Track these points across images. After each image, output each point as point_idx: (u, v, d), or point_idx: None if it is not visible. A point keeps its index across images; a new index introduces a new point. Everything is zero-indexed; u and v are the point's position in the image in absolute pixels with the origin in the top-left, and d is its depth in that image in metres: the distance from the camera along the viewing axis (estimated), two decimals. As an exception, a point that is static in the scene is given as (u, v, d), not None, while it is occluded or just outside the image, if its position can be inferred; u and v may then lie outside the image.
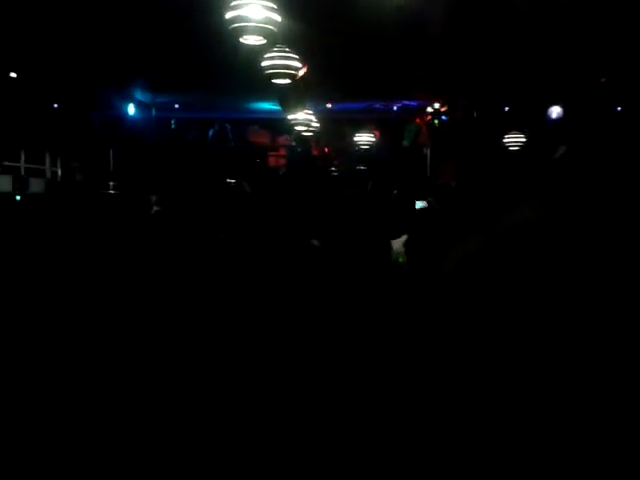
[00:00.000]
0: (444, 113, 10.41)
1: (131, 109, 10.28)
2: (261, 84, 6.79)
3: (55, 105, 9.71)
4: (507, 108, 10.60)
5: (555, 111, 10.05)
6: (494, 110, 10.44)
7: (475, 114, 10.35)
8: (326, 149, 12.64)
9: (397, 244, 3.74)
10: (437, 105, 10.34)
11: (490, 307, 1.00)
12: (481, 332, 0.98)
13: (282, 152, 13.05)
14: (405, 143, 11.40)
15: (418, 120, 11.19)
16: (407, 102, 11.02)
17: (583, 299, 0.90)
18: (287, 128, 10.36)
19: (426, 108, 10.83)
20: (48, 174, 10.43)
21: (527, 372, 0.96)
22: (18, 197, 9.17)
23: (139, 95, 10.21)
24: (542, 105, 10.10)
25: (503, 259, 0.99)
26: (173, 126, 11.54)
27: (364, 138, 11.23)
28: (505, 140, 9.89)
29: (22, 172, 9.77)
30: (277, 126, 11.91)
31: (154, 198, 7.03)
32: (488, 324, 0.99)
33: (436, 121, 10.65)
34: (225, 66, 7.40)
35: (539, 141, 9.96)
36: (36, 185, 9.79)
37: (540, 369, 0.96)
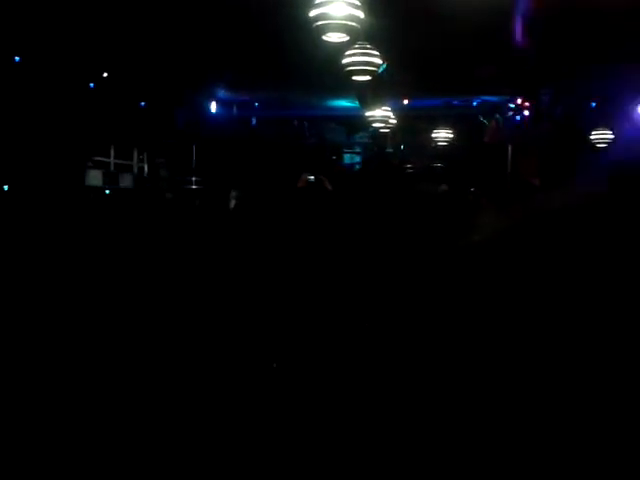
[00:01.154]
0: (527, 108, 10.08)
1: (213, 107, 10.57)
2: (339, 81, 6.82)
3: (142, 103, 10.13)
4: (594, 103, 10.14)
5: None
6: (580, 105, 10.02)
7: (560, 109, 9.96)
8: (401, 146, 12.53)
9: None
10: (519, 100, 10.02)
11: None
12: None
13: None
14: (486, 139, 11.13)
15: (498, 115, 10.89)
16: (486, 97, 10.75)
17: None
18: (364, 125, 10.36)
19: (507, 104, 10.52)
20: (135, 169, 10.92)
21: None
22: (107, 191, 9.67)
23: (221, 94, 10.48)
24: (630, 100, 9.61)
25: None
26: (254, 123, 11.78)
27: (442, 135, 11.05)
28: (592, 136, 9.48)
29: (112, 167, 10.28)
30: (353, 123, 11.93)
31: (234, 193, 7.22)
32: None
33: (518, 117, 10.32)
34: (304, 64, 7.47)
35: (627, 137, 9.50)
36: (124, 180, 10.28)
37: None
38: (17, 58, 7.55)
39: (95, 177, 9.46)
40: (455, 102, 10.94)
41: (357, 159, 13.40)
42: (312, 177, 6.04)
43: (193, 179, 10.12)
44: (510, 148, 10.68)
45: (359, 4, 4.70)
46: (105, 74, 8.78)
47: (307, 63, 7.27)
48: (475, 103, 10.93)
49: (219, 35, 7.36)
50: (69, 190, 7.94)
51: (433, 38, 7.06)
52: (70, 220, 6.50)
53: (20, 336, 3.70)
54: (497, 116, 11.01)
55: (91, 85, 8.96)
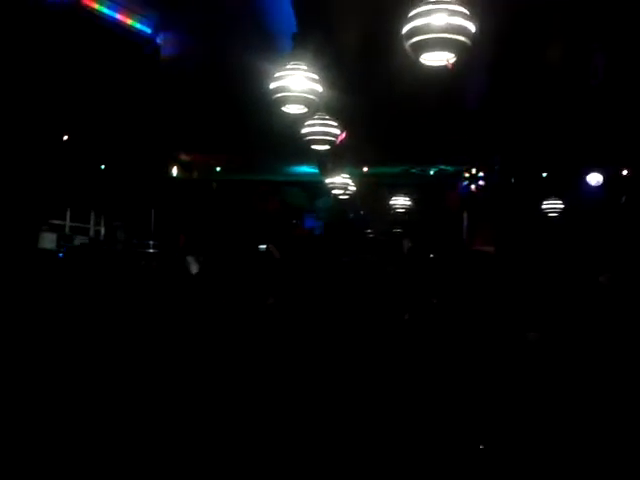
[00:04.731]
0: (481, 178, 10.42)
1: (174, 171, 10.58)
2: (300, 148, 6.95)
3: (102, 166, 10.07)
4: (545, 174, 10.55)
5: (594, 177, 9.96)
6: (531, 175, 10.41)
7: (512, 179, 10.32)
8: (362, 212, 12.71)
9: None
10: (474, 170, 10.37)
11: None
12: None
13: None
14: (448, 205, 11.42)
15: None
16: (443, 167, 11.09)
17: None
18: (325, 190, 10.51)
19: (462, 173, 10.86)
20: (92, 232, 10.72)
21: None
22: (61, 254, 9.41)
23: (181, 158, 10.53)
24: (580, 171, 10.03)
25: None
26: (214, 187, 11.80)
27: (400, 201, 11.29)
28: (544, 206, 9.80)
29: (67, 230, 10.06)
30: (315, 188, 12.08)
31: (190, 258, 7.11)
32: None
33: (473, 186, 10.65)
34: (265, 132, 7.60)
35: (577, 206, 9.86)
36: (80, 243, 10.05)
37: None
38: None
39: (49, 240, 9.23)
40: (413, 170, 11.26)
41: (318, 223, 13.50)
42: (264, 246, 6.06)
43: (151, 243, 9.97)
44: (466, 216, 10.95)
45: (317, 78, 4.86)
46: (65, 137, 8.74)
47: (268, 130, 7.40)
48: (432, 172, 11.26)
49: (180, 101, 7.46)
50: (19, 254, 7.70)
51: (390, 111, 7.32)
52: (17, 285, 6.24)
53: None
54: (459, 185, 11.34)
55: (50, 148, 8.88)
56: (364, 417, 3.31)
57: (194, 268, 6.56)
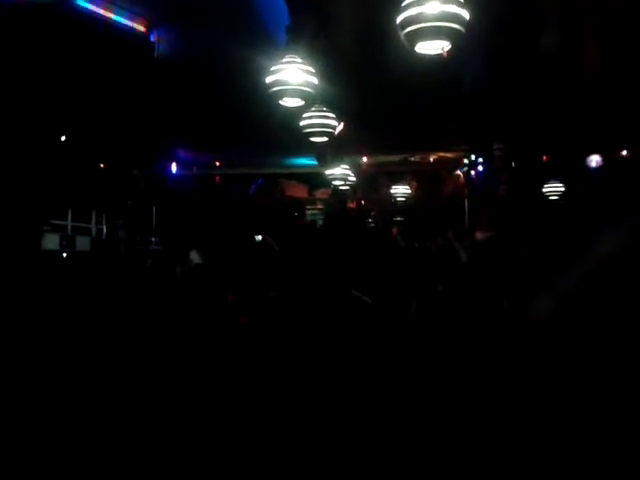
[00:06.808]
0: (481, 163, 10.39)
1: (173, 167, 10.59)
2: (299, 140, 6.95)
3: (101, 165, 10.06)
4: (545, 157, 10.52)
5: (594, 160, 9.94)
6: (532, 159, 10.38)
7: (513, 163, 10.30)
8: (362, 201, 12.71)
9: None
10: (474, 156, 10.35)
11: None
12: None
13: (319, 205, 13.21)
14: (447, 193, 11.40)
15: (458, 171, 11.20)
16: (443, 153, 11.07)
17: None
18: (326, 182, 10.51)
19: (463, 159, 10.84)
20: (94, 232, 10.70)
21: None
22: (64, 255, 9.42)
23: (182, 154, 10.53)
24: (581, 153, 10.01)
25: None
26: (215, 182, 11.80)
27: (400, 190, 11.30)
28: (544, 189, 9.79)
29: (69, 230, 10.05)
30: (315, 180, 12.09)
31: (193, 254, 7.15)
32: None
33: (472, 172, 10.62)
34: (264, 125, 7.59)
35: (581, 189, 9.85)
36: (82, 243, 10.04)
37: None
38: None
39: (51, 241, 9.22)
40: (412, 158, 11.25)
41: (319, 215, 13.51)
42: (259, 237, 6.05)
43: (153, 240, 9.98)
44: (466, 202, 10.94)
45: (313, 70, 4.85)
46: (63, 137, 8.72)
47: (267, 124, 7.39)
48: (432, 159, 11.25)
49: (178, 98, 7.45)
50: (24, 256, 7.71)
51: (388, 99, 7.29)
52: (21, 287, 6.25)
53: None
54: (458, 172, 11.33)
55: (49, 148, 8.87)
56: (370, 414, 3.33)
57: (197, 262, 6.58)
